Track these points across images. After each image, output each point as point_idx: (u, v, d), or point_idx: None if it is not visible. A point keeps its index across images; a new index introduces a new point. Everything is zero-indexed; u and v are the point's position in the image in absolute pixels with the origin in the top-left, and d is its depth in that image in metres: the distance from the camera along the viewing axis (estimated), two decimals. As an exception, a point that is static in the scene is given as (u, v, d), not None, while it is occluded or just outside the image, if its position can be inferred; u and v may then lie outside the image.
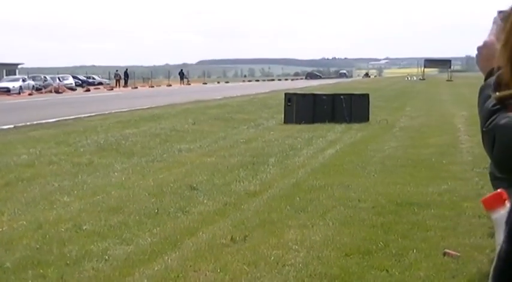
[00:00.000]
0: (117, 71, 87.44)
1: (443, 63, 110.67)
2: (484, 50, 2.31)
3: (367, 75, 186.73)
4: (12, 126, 21.46)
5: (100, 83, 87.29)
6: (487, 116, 2.10)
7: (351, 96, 22.68)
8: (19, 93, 57.45)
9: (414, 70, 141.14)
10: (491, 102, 2.11)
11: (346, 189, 9.95)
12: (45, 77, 71.17)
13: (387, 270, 6.07)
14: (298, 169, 12.12)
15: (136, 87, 76.09)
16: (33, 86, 63.15)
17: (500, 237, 1.91)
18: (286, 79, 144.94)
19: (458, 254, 6.44)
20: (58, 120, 23.90)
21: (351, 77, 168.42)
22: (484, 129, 2.09)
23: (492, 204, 1.98)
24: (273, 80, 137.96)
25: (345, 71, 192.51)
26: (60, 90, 61.91)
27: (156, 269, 6.19)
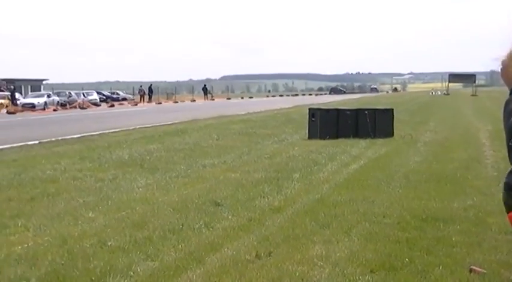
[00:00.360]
0: (141, 86, 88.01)
1: (467, 78, 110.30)
2: (509, 63, 2.31)
3: (396, 90, 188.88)
4: (37, 141, 21.61)
5: (124, 99, 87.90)
6: (512, 130, 2.09)
7: (374, 111, 22.60)
8: (44, 108, 57.96)
9: (438, 85, 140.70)
10: (516, 116, 2.10)
11: (371, 205, 9.91)
12: (69, 93, 71.88)
13: (412, 287, 6.03)
14: (323, 184, 12.09)
15: (161, 103, 76.61)
16: (58, 101, 63.74)
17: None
18: (310, 94, 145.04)
19: (484, 271, 6.39)
20: (82, 136, 24.02)
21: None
22: (510, 143, 2.08)
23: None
24: (296, 95, 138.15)
25: (375, 86, 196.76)
26: (84, 106, 62.39)
27: (180, 284, 6.19)
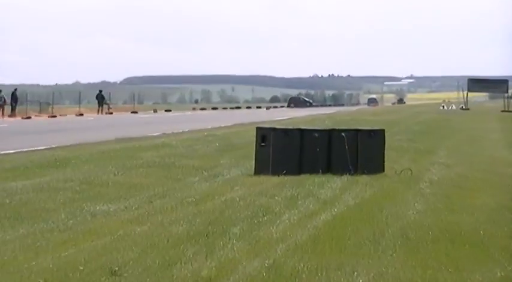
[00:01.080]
0: (0, 92, 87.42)
1: (496, 85, 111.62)
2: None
3: (401, 101, 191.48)
4: None
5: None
6: None
7: (356, 133, 22.56)
8: None
9: (453, 95, 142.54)
10: None
11: (350, 276, 9.94)
12: None
13: None
14: (276, 244, 12.09)
15: (30, 117, 76.50)
16: None
17: None
18: (258, 106, 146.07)
19: None
20: None
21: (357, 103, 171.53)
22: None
23: None
24: (238, 107, 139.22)
25: (374, 96, 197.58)
26: None
27: None
